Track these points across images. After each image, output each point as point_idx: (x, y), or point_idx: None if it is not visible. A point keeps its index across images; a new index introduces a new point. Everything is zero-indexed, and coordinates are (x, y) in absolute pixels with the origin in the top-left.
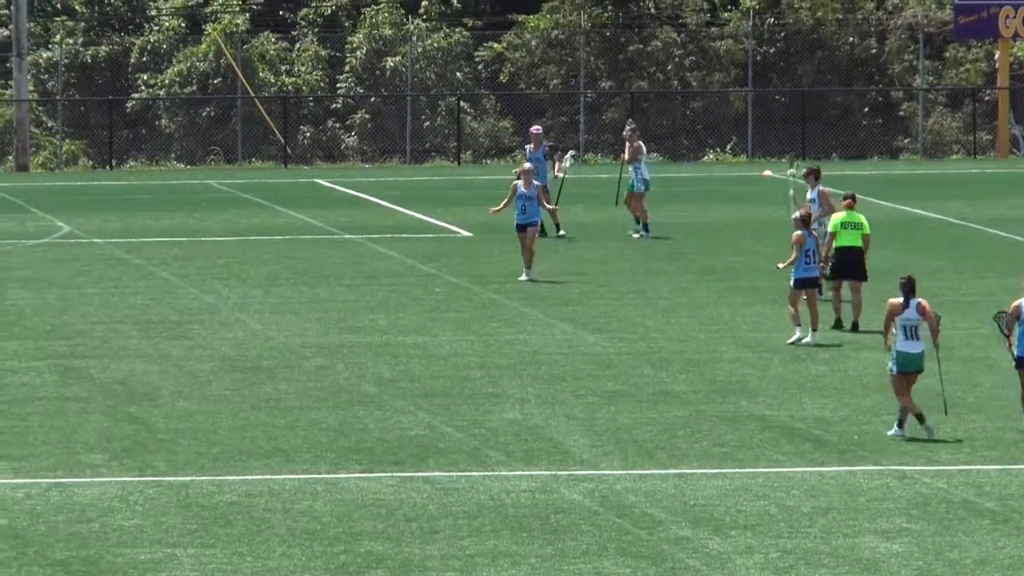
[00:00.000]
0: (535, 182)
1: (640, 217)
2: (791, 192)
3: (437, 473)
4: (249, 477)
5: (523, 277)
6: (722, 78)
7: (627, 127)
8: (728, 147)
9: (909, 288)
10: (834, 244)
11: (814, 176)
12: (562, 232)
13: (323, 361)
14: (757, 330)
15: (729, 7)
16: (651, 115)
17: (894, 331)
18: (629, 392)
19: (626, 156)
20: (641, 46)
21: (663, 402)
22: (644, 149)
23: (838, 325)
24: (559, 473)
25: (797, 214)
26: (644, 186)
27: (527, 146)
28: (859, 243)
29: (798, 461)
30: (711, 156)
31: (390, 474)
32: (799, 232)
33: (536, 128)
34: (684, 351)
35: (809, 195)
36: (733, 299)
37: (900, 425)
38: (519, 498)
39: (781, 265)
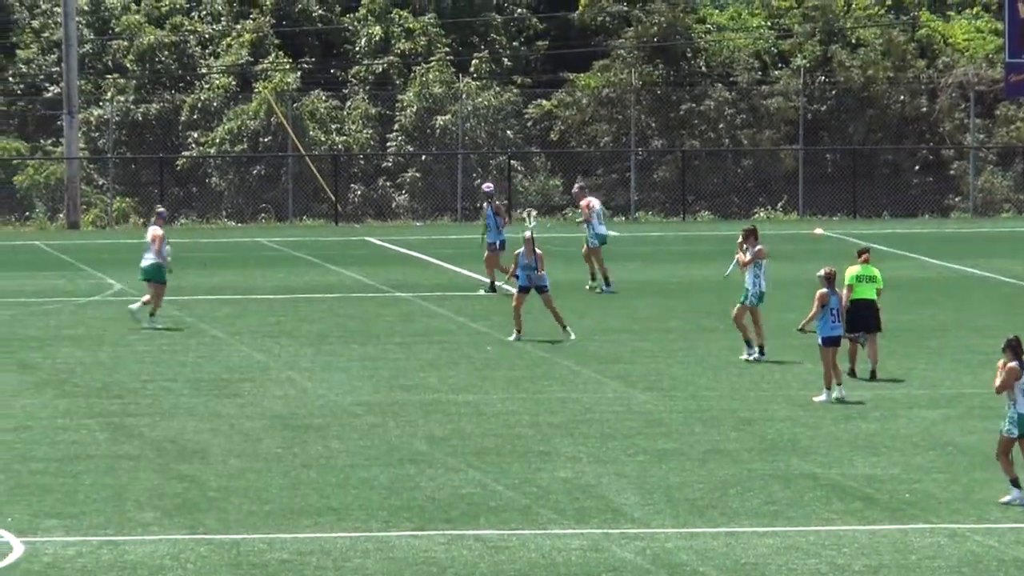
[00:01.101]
0: (537, 253)
1: (600, 271)
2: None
3: (488, 531)
4: (300, 535)
5: (511, 337)
6: (773, 136)
7: (576, 185)
8: (779, 205)
9: (1020, 350)
10: (850, 297)
11: (753, 236)
12: (484, 292)
13: (374, 419)
14: (808, 388)
15: (780, 65)
16: (702, 173)
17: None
18: (680, 450)
19: (583, 218)
20: (692, 104)
21: (714, 460)
22: (594, 205)
23: (851, 374)
24: (610, 531)
25: (821, 272)
26: (598, 240)
27: (483, 203)
28: (873, 296)
29: (849, 519)
30: (762, 214)
31: (441, 532)
32: (823, 291)
33: (488, 186)
34: (735, 409)
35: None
36: (784, 357)
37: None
38: (570, 556)
39: (803, 325)
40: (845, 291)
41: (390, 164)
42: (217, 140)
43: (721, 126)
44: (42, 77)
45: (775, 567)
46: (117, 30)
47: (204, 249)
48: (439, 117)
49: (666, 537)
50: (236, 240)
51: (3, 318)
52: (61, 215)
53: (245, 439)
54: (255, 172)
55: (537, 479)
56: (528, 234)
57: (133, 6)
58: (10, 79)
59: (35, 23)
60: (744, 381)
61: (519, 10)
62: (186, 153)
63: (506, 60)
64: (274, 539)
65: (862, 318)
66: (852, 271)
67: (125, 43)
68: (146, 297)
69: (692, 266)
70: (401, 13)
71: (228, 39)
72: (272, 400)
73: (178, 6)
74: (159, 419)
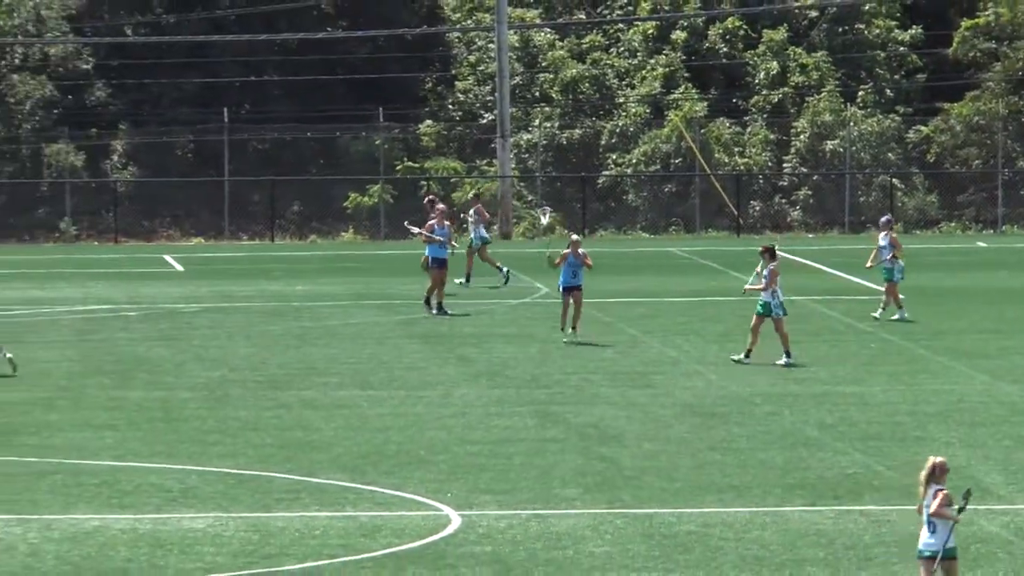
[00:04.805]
0: (581, 253)
1: (469, 268)
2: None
3: (872, 507)
4: (705, 510)
5: (564, 339)
6: None
7: (472, 193)
8: None
9: None
10: None
11: (770, 254)
12: (460, 281)
13: (771, 408)
14: None
15: None
16: None
17: None
18: None
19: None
20: None
21: None
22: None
23: None
24: (979, 507)
25: None
26: (481, 241)
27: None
28: None
29: None
30: None
31: (830, 507)
32: None
33: (431, 197)
34: None
35: (759, 269)
36: None
37: None
38: None
39: None
40: None
41: (785, 183)
42: (633, 161)
43: None
44: (478, 105)
45: None
46: (544, 64)
47: (622, 258)
48: (829, 142)
49: None
50: (649, 250)
51: (446, 318)
52: (495, 226)
53: (657, 425)
54: (667, 189)
55: (915, 461)
56: (576, 236)
57: (558, 43)
58: (450, 107)
59: (471, 58)
60: None
61: (901, 47)
62: (605, 172)
63: (888, 91)
64: (682, 513)
65: None
66: None
67: (551, 75)
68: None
69: None
70: (796, 50)
71: (643, 72)
72: (681, 391)
73: (597, 43)
74: (581, 407)
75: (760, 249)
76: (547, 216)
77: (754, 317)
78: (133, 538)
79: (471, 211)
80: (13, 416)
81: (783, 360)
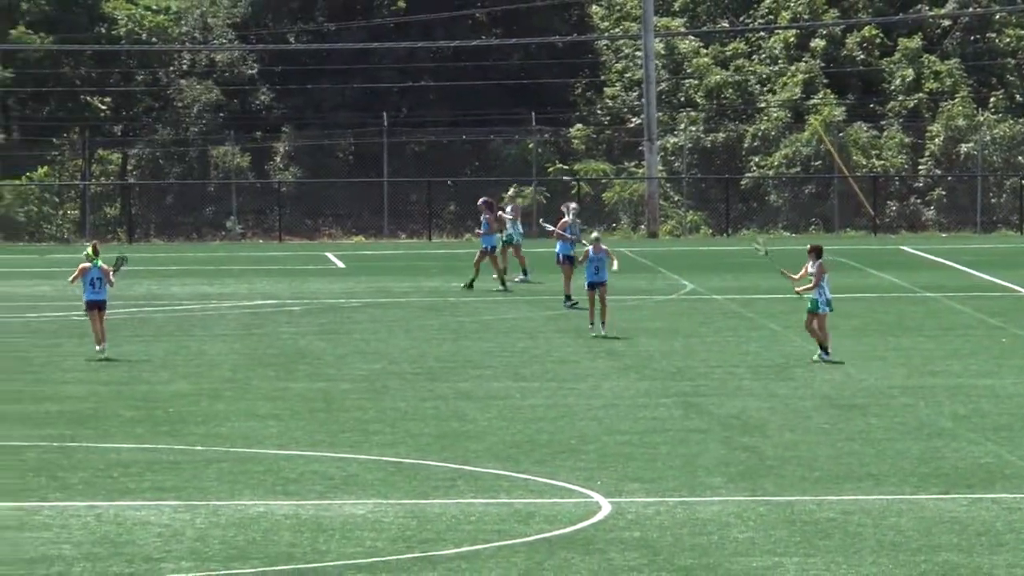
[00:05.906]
0: (604, 249)
1: (505, 267)
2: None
3: (1004, 495)
4: (844, 497)
5: (592, 333)
6: None
7: (509, 193)
8: None
9: None
10: None
11: (816, 253)
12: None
13: (907, 400)
14: None
15: None
16: None
17: None
18: None
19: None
20: None
21: None
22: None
23: None
24: None
25: None
26: (512, 240)
27: (484, 217)
28: None
29: None
30: None
31: (964, 495)
32: None
33: (483, 199)
34: None
35: (810, 268)
36: None
37: None
38: None
39: None
40: None
41: (920, 184)
42: (775, 163)
43: None
44: (625, 110)
45: None
46: (688, 71)
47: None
48: (962, 145)
49: None
50: (790, 248)
51: (584, 314)
52: (643, 226)
53: (797, 416)
54: (807, 190)
55: None
56: (596, 234)
57: (702, 51)
58: (599, 112)
59: (619, 66)
60: None
61: None
62: (748, 174)
63: (1019, 97)
64: (822, 500)
65: None
66: None
67: (695, 81)
68: None
69: None
70: (930, 58)
71: (784, 78)
72: (821, 383)
73: (740, 51)
74: (724, 399)
75: (808, 248)
76: (570, 214)
77: (807, 316)
78: (296, 523)
79: (508, 208)
80: (182, 406)
81: (818, 356)
